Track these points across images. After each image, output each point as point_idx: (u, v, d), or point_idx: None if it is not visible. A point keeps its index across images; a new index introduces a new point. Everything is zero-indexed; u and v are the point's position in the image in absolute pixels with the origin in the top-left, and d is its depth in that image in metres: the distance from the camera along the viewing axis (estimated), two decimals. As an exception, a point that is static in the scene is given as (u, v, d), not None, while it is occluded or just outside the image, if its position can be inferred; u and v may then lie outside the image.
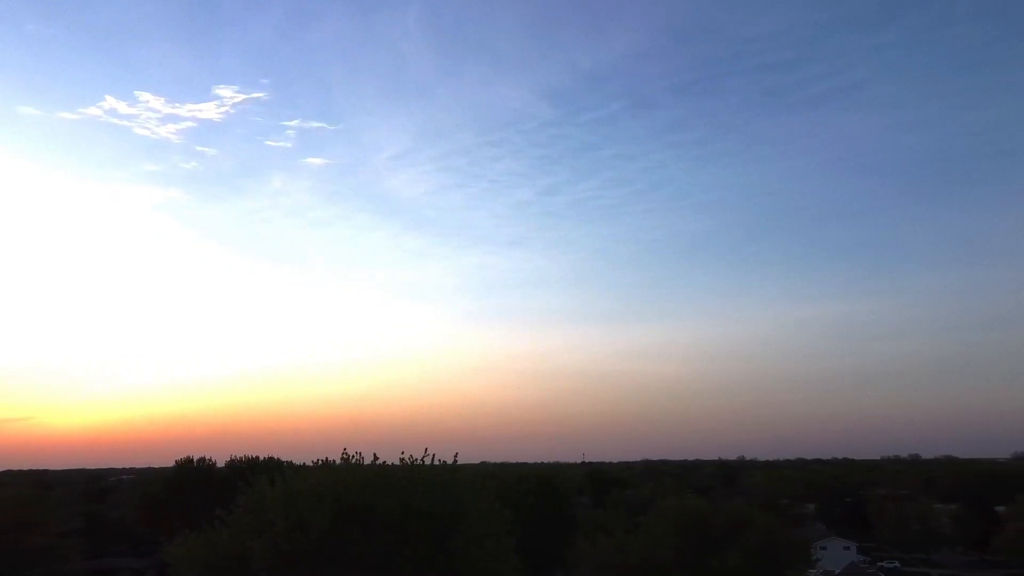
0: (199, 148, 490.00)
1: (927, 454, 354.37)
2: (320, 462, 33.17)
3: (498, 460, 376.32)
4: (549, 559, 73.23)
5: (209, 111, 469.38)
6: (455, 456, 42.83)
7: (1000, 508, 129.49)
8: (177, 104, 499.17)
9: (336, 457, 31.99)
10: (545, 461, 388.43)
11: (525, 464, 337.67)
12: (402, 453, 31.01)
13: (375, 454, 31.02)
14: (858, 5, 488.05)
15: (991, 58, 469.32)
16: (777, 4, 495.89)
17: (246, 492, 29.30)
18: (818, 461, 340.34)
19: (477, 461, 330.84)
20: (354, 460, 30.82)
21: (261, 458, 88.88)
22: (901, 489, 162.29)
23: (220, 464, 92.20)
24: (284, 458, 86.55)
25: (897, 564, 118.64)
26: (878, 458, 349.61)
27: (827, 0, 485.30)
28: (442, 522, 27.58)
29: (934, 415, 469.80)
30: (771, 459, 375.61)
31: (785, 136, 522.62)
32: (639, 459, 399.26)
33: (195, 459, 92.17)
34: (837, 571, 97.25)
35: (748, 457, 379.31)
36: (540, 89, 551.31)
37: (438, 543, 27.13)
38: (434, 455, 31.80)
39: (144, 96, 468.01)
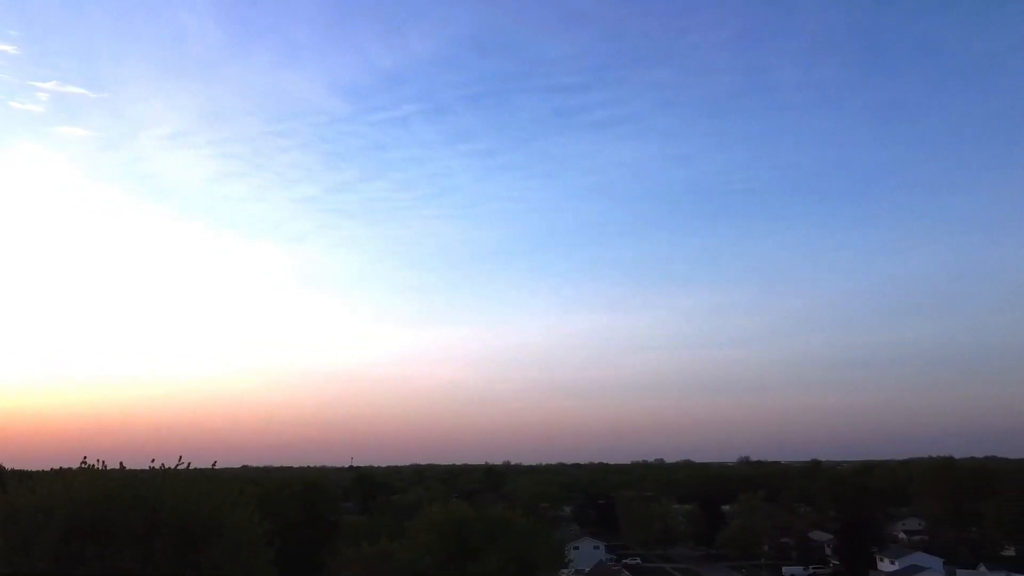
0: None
1: (670, 458, 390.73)
2: (53, 470, 29.71)
3: (260, 464, 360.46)
4: (311, 567, 71.18)
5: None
6: (214, 463, 40.31)
7: (726, 507, 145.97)
8: None
9: (74, 464, 28.85)
10: (311, 465, 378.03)
11: (290, 468, 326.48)
12: (152, 460, 28.65)
13: (121, 462, 28.41)
14: (639, 42, 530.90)
15: (742, 107, 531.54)
16: (568, 30, 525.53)
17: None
18: (577, 466, 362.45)
19: (238, 465, 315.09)
20: (94, 468, 27.91)
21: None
22: (647, 491, 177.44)
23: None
24: (8, 465, 76.68)
25: (639, 560, 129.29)
26: (629, 462, 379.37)
27: (612, 33, 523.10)
28: (194, 535, 25.70)
29: (677, 423, 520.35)
30: (535, 463, 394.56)
31: (568, 155, 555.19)
32: (408, 463, 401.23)
33: None
34: (587, 569, 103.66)
35: (514, 462, 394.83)
36: (334, 83, 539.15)
37: (188, 559, 25.22)
38: (189, 463, 29.72)
39: None
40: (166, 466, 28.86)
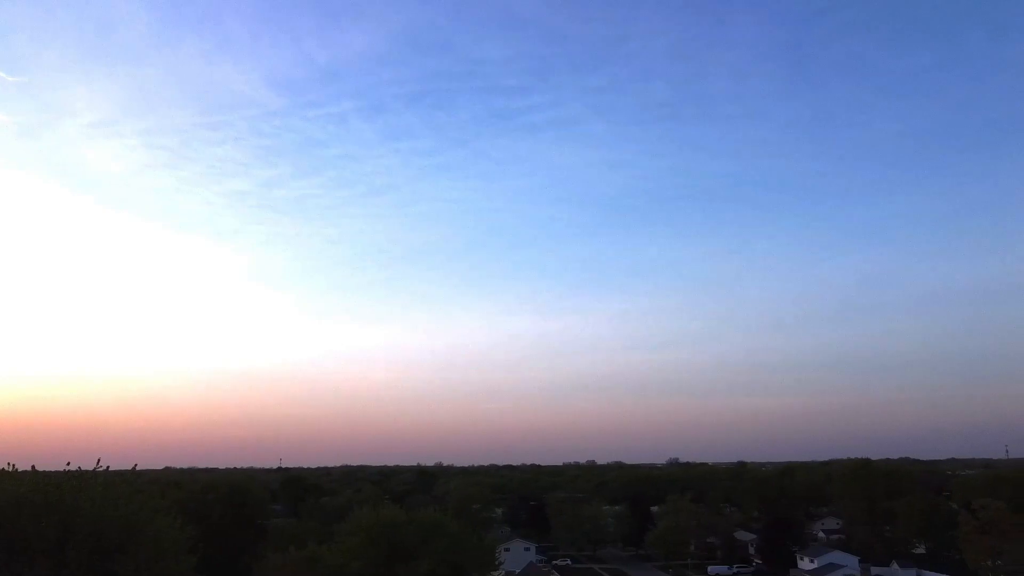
0: None
1: (602, 460, 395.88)
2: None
3: (184, 466, 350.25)
4: (237, 573, 69.38)
5: None
6: (134, 465, 38.89)
7: (655, 508, 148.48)
8: None
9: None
10: (238, 467, 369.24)
11: (215, 470, 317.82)
12: (67, 463, 27.49)
13: (33, 465, 27.16)
14: (578, 47, 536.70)
15: (677, 115, 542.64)
16: (507, 32, 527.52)
17: None
18: (509, 467, 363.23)
19: (160, 467, 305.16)
20: (4, 471, 26.62)
21: None
22: (578, 493, 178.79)
23: None
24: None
25: (568, 561, 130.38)
26: (561, 464, 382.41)
27: (550, 37, 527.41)
28: (110, 543, 24.72)
29: (609, 425, 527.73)
30: (468, 465, 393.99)
31: (506, 158, 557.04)
32: (339, 464, 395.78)
33: None
34: (517, 571, 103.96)
35: (446, 463, 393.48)
36: (268, 76, 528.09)
37: (104, 568, 24.25)
38: (107, 466, 28.59)
39: None
40: (82, 469, 27.78)
